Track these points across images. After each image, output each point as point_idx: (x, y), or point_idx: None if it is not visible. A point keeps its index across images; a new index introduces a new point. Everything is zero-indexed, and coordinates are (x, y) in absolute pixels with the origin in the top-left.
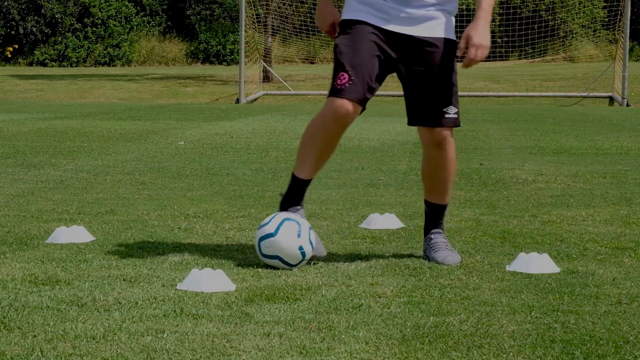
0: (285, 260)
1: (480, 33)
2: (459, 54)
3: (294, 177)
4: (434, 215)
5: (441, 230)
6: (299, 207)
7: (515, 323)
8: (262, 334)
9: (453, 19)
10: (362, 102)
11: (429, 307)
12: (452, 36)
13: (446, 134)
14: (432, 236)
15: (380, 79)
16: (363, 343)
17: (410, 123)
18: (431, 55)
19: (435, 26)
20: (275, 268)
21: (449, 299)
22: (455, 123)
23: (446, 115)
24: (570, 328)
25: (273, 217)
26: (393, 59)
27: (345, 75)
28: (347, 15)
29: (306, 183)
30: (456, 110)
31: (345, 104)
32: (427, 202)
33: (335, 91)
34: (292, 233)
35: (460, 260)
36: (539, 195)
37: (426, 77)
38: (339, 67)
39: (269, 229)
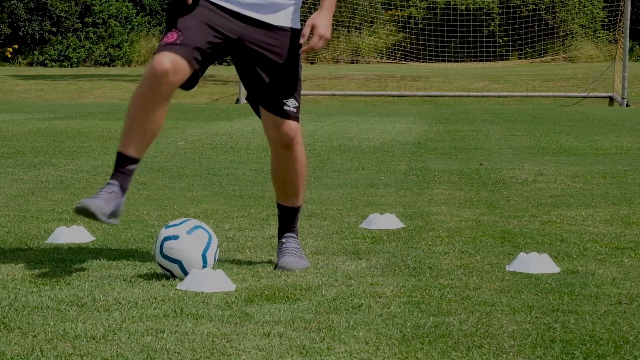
0: (185, 269)
1: (326, 23)
2: (301, 40)
3: (117, 153)
4: (287, 219)
5: (294, 235)
6: (113, 183)
7: (515, 323)
8: (262, 334)
9: (299, 10)
10: (188, 60)
11: (429, 307)
12: (300, 26)
13: (294, 134)
14: (284, 240)
15: (216, 51)
16: (363, 343)
17: (250, 99)
18: (280, 42)
19: (285, 15)
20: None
21: (449, 299)
22: (296, 117)
23: (285, 107)
24: (570, 328)
25: (184, 221)
26: (233, 39)
27: (174, 34)
28: None
29: (128, 160)
30: (297, 104)
31: (165, 56)
32: (279, 206)
33: (159, 48)
34: (201, 242)
35: (307, 266)
36: (539, 195)
37: (272, 65)
38: (167, 30)
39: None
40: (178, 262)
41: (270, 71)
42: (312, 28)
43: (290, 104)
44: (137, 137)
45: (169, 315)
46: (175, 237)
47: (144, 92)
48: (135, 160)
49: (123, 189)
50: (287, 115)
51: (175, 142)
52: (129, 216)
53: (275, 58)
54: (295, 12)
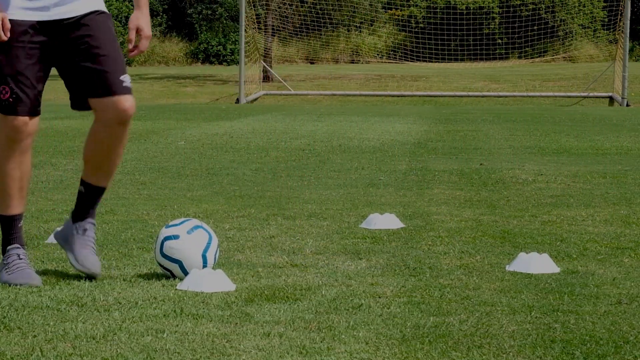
0: (185, 268)
1: (148, 23)
2: (129, 46)
3: (2, 218)
4: (92, 200)
5: (94, 221)
6: (17, 245)
7: (515, 323)
8: (262, 334)
9: None
10: (34, 113)
11: (429, 307)
12: (104, 7)
13: (133, 108)
14: (87, 227)
15: (44, 77)
16: (363, 343)
17: (77, 106)
18: (90, 29)
19: (85, 2)
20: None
21: (449, 299)
22: (131, 91)
23: (124, 84)
24: (570, 328)
25: (184, 221)
26: (50, 51)
27: (7, 89)
28: None
29: (16, 218)
30: (130, 79)
31: (18, 120)
32: (86, 184)
33: (2, 108)
34: (201, 242)
35: (99, 273)
36: (539, 195)
37: (94, 51)
38: None
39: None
40: (178, 262)
41: (95, 58)
42: (138, 31)
43: (127, 80)
44: (17, 193)
45: (169, 315)
46: (176, 237)
47: (5, 152)
48: (21, 216)
49: (23, 246)
50: (129, 90)
51: (175, 142)
52: (129, 216)
53: (95, 44)
54: None
